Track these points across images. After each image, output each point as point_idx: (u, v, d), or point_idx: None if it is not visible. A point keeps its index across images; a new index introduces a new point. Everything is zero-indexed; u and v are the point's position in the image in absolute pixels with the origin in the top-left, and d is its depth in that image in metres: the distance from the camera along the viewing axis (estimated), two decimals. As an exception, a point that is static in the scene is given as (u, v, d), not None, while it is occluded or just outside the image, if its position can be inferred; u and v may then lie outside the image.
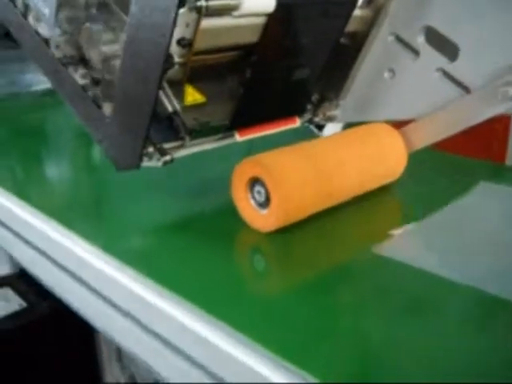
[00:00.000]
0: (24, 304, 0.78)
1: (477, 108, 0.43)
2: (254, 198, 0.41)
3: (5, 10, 0.50)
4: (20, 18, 0.49)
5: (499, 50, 0.42)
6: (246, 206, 0.41)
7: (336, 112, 0.53)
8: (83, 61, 0.45)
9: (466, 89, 0.44)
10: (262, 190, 0.40)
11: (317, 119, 0.54)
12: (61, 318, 0.75)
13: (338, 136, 0.49)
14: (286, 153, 0.42)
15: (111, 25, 0.43)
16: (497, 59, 0.42)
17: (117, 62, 0.43)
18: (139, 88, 0.39)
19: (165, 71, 0.39)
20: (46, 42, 0.47)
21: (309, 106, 0.53)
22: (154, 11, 0.36)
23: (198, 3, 0.37)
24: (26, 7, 0.49)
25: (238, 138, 0.48)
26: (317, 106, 0.53)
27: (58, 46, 0.46)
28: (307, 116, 0.53)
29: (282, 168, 0.40)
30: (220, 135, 0.47)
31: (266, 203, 0.40)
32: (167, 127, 0.45)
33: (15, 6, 0.50)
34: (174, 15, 0.35)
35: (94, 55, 0.44)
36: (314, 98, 0.53)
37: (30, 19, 0.49)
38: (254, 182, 0.40)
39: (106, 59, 0.44)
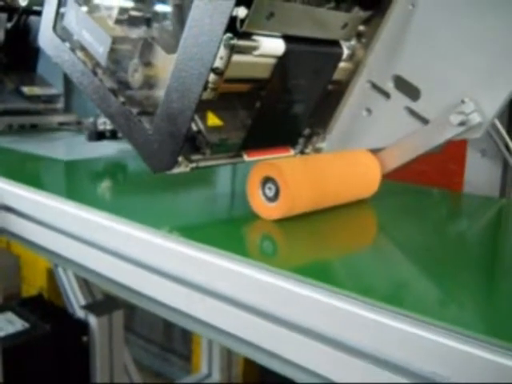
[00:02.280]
0: (27, 325, 0.84)
1: (434, 134, 0.56)
2: (264, 193, 0.51)
3: (58, 50, 0.62)
4: (71, 55, 0.61)
5: (453, 90, 0.55)
6: (258, 199, 0.51)
7: (323, 144, 0.65)
8: (126, 87, 0.57)
9: (426, 122, 0.58)
10: (273, 187, 0.51)
11: (307, 150, 0.66)
12: (61, 337, 0.81)
13: (332, 155, 0.61)
14: (294, 161, 0.53)
15: (152, 60, 0.56)
16: (451, 97, 0.55)
17: (155, 91, 0.55)
18: (180, 105, 0.50)
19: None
20: (94, 72, 0.59)
21: (300, 140, 0.65)
22: (200, 47, 0.48)
23: (231, 42, 0.49)
24: (76, 44, 0.61)
25: (246, 158, 0.59)
26: (307, 139, 0.65)
27: (107, 77, 0.58)
28: (299, 147, 0.65)
29: (291, 171, 0.51)
30: (232, 154, 0.59)
31: (274, 198, 0.51)
32: (191, 144, 0.56)
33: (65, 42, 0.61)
34: (216, 51, 0.47)
35: (135, 83, 0.56)
36: (306, 132, 0.65)
37: (78, 54, 0.61)
38: (266, 180, 0.51)
39: (146, 86, 0.56)
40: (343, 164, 0.57)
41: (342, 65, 0.61)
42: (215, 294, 0.44)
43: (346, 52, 0.60)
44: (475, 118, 0.54)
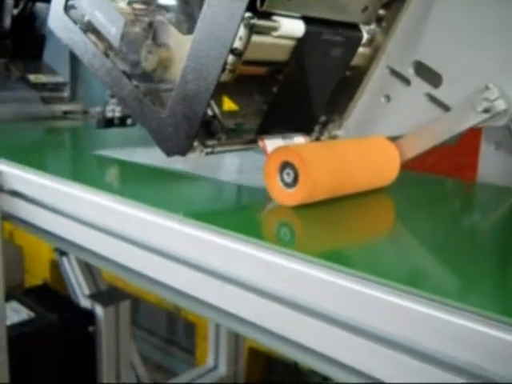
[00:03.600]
0: (32, 314, 0.82)
1: (457, 121, 0.54)
2: (282, 179, 0.50)
3: (69, 32, 0.60)
4: (83, 37, 0.59)
5: (476, 76, 0.54)
6: (275, 185, 0.50)
7: (339, 132, 0.64)
8: (140, 69, 0.55)
9: (448, 108, 0.56)
10: (291, 172, 0.49)
11: (323, 138, 0.64)
12: (67, 327, 0.80)
13: (352, 141, 0.59)
14: (313, 146, 0.51)
15: (166, 41, 0.54)
16: (474, 83, 0.54)
17: (169, 73, 0.53)
18: (196, 87, 0.49)
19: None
20: (106, 54, 0.57)
21: (317, 127, 0.64)
22: (219, 26, 0.46)
23: (251, 21, 0.47)
24: (87, 26, 0.59)
25: (260, 144, 0.58)
26: (323, 126, 0.64)
27: (120, 59, 0.56)
28: (315, 134, 0.64)
29: (310, 156, 0.49)
30: (247, 140, 0.57)
31: (293, 183, 0.49)
32: (206, 129, 0.54)
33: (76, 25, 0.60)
34: (236, 30, 0.46)
35: (149, 65, 0.54)
36: (322, 119, 0.64)
37: (90, 36, 0.59)
38: (284, 165, 0.50)
39: (160, 69, 0.54)
40: (363, 151, 0.55)
41: (361, 50, 0.59)
42: (233, 280, 0.42)
43: (365, 36, 0.58)
44: (500, 105, 0.52)
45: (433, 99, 0.57)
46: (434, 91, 0.57)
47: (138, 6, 0.58)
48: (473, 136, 0.90)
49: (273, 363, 1.31)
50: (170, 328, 1.62)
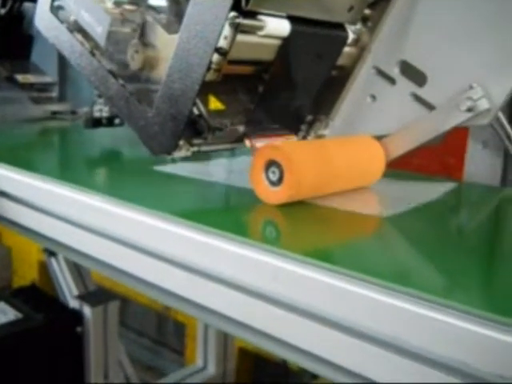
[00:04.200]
0: (20, 315, 0.82)
1: (441, 120, 0.55)
2: (268, 177, 0.50)
3: (56, 31, 0.60)
4: (69, 36, 0.59)
5: (460, 75, 0.54)
6: (261, 183, 0.50)
7: (326, 131, 0.64)
8: (126, 69, 0.55)
9: (433, 108, 0.56)
10: (277, 171, 0.49)
11: (309, 137, 0.64)
12: (55, 327, 0.80)
13: (338, 140, 0.59)
14: (299, 144, 0.52)
15: (152, 41, 0.54)
16: (458, 82, 0.54)
17: (155, 72, 0.53)
18: (182, 86, 0.49)
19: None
20: (92, 53, 0.57)
21: (303, 126, 0.64)
22: (204, 25, 0.46)
23: (236, 20, 0.48)
24: (74, 25, 0.59)
25: (247, 144, 0.58)
26: (310, 125, 0.64)
27: (106, 58, 0.56)
28: (302, 134, 0.64)
29: (295, 154, 0.50)
30: (233, 139, 0.57)
31: (278, 182, 0.49)
32: (193, 128, 0.54)
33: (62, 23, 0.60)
34: (220, 29, 0.46)
35: (135, 65, 0.54)
36: (308, 118, 0.64)
37: (76, 35, 0.59)
38: (270, 164, 0.50)
39: (146, 68, 0.54)
40: (349, 149, 0.55)
41: (346, 49, 0.60)
42: (219, 279, 0.42)
43: (351, 36, 0.59)
44: (483, 104, 0.53)
45: (418, 99, 0.57)
46: (419, 91, 0.57)
47: (125, 6, 0.58)
48: (460, 136, 0.91)
49: (263, 363, 1.31)
50: (160, 328, 1.62)
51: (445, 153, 0.95)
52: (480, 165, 0.88)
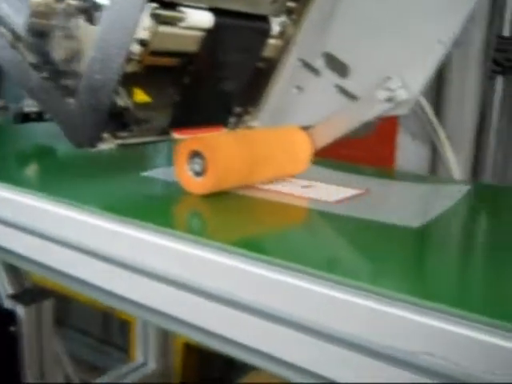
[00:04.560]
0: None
1: (363, 110, 0.56)
2: (192, 168, 0.50)
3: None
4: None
5: (380, 67, 0.56)
6: (185, 174, 0.50)
7: (255, 123, 0.65)
8: (46, 60, 0.54)
9: (356, 98, 0.58)
10: (200, 161, 0.50)
11: (239, 129, 0.65)
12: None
13: (263, 130, 0.60)
14: (222, 136, 0.52)
15: (75, 32, 0.53)
16: (378, 74, 0.56)
17: (78, 64, 0.53)
18: (103, 77, 0.49)
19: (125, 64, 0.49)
20: (14, 46, 0.56)
21: (232, 118, 0.65)
22: (123, 16, 0.46)
23: (156, 11, 0.48)
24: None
25: (175, 136, 0.58)
26: (239, 117, 0.65)
27: (27, 51, 0.55)
28: (231, 126, 0.64)
29: (218, 145, 0.50)
30: (160, 131, 0.57)
31: (202, 172, 0.50)
32: (118, 120, 0.54)
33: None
34: (138, 19, 0.46)
35: (58, 56, 0.54)
36: (237, 111, 0.64)
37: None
38: (194, 154, 0.50)
39: (69, 60, 0.53)
40: (274, 139, 0.56)
41: (272, 41, 0.60)
42: (143, 271, 0.42)
43: (276, 29, 0.60)
44: (402, 94, 0.55)
45: (342, 90, 0.59)
46: (343, 82, 0.59)
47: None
48: (391, 128, 0.94)
49: (209, 358, 1.31)
50: (105, 327, 1.60)
51: (377, 144, 0.98)
52: (410, 155, 0.91)
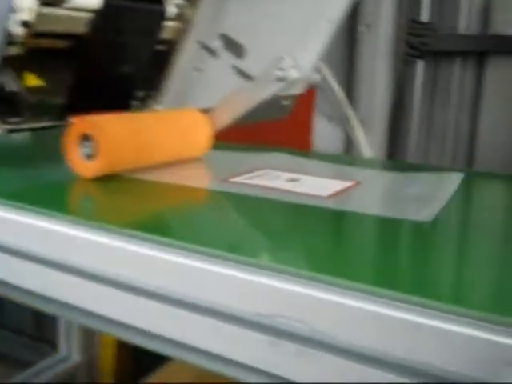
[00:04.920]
0: None
1: (258, 90, 0.57)
2: (82, 151, 0.50)
3: None
4: None
5: (273, 47, 0.57)
6: (76, 157, 0.50)
7: (160, 106, 0.65)
8: None
9: (252, 79, 0.59)
10: (91, 144, 0.49)
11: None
12: None
13: (160, 113, 0.60)
14: (115, 118, 0.52)
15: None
16: (272, 54, 0.57)
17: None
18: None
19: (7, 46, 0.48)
20: None
21: (136, 102, 0.64)
22: None
23: (36, -8, 0.47)
24: None
25: (71, 120, 0.57)
26: (142, 101, 0.64)
27: None
28: (134, 110, 0.64)
29: (109, 128, 0.50)
30: (55, 116, 0.56)
31: (93, 155, 0.49)
32: (8, 106, 0.53)
33: None
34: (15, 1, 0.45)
35: None
36: (140, 94, 0.64)
37: None
38: (84, 137, 0.50)
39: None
40: (170, 122, 0.56)
41: (169, 24, 0.60)
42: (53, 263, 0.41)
43: (172, 10, 0.60)
44: (294, 74, 0.56)
45: (239, 71, 0.59)
46: (240, 63, 0.59)
47: None
48: (307, 111, 0.96)
49: (141, 354, 1.29)
50: (37, 324, 1.56)
51: (294, 127, 1.00)
52: (326, 137, 0.93)
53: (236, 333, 0.32)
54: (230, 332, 0.32)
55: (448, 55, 1.32)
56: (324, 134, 0.92)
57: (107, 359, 1.08)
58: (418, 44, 1.25)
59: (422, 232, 0.40)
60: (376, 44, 0.85)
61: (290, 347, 0.30)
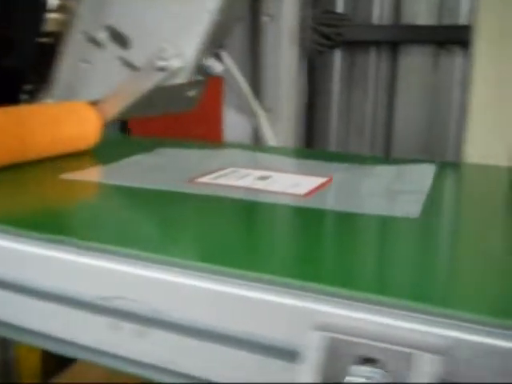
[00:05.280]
0: None
1: (143, 80, 0.57)
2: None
3: None
4: None
5: (156, 38, 0.57)
6: None
7: (49, 100, 0.64)
8: None
9: (138, 69, 0.59)
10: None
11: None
12: None
13: (41, 106, 0.59)
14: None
15: None
16: (155, 44, 0.57)
17: None
18: None
19: None
20: None
21: (24, 96, 0.63)
22: None
23: None
24: None
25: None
26: (31, 94, 0.64)
27: None
28: (24, 104, 0.63)
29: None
30: None
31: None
32: None
33: None
34: None
35: None
36: (28, 88, 0.63)
37: None
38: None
39: None
40: (52, 115, 0.56)
41: (54, 15, 0.60)
42: None
43: (54, 2, 0.59)
44: (175, 63, 0.56)
45: (125, 62, 0.60)
46: (125, 54, 0.59)
47: None
48: (215, 102, 0.96)
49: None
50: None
51: (203, 119, 1.00)
52: (236, 127, 0.94)
53: (78, 316, 0.32)
54: (71, 316, 0.33)
55: (363, 45, 1.36)
56: (234, 124, 0.93)
57: (32, 359, 1.06)
58: (332, 34, 1.28)
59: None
60: (279, 34, 0.87)
61: (131, 328, 0.31)
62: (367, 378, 0.23)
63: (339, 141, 1.43)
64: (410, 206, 0.41)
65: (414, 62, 1.33)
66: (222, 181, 0.48)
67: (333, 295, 0.25)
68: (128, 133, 1.13)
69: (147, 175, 0.51)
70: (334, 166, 0.56)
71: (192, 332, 0.30)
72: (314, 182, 0.48)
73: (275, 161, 0.60)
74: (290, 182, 0.48)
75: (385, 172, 0.54)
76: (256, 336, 0.27)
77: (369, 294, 0.25)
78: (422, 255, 0.33)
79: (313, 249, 0.34)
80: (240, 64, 0.89)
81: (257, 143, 0.92)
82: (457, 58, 1.26)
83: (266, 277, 0.27)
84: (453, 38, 1.25)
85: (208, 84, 0.75)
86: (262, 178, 0.49)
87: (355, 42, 1.35)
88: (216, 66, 0.70)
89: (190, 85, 0.69)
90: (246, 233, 0.40)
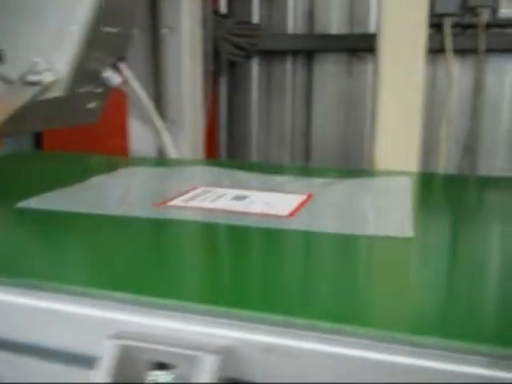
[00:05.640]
0: None
1: (17, 94, 0.57)
2: None
3: None
4: None
5: (30, 51, 0.56)
6: None
7: None
8: None
9: (13, 83, 0.58)
10: None
11: None
12: None
13: None
14: None
15: None
16: (29, 58, 0.56)
17: None
18: None
19: None
20: None
21: None
22: None
23: None
24: None
25: None
26: None
27: None
28: None
29: None
30: None
31: None
32: None
33: None
34: None
35: None
36: None
37: None
38: None
39: None
40: None
41: None
42: None
43: None
44: (48, 77, 0.56)
45: (1, 76, 0.58)
46: (1, 69, 0.58)
47: None
48: (119, 114, 0.96)
49: None
50: None
51: (108, 134, 1.00)
52: (141, 140, 0.94)
53: None
54: None
55: (280, 54, 1.38)
56: (139, 136, 0.93)
57: None
58: (245, 44, 1.30)
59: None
60: (180, 46, 0.87)
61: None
62: (159, 382, 0.24)
63: (260, 150, 1.44)
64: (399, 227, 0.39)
65: (329, 69, 1.36)
66: (194, 203, 0.45)
67: (132, 303, 0.26)
68: (40, 147, 1.11)
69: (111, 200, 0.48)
70: (306, 181, 0.55)
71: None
72: (293, 200, 0.46)
73: (247, 178, 0.58)
74: (269, 201, 0.46)
75: (362, 188, 0.52)
76: (57, 345, 0.27)
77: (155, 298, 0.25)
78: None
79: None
80: (142, 76, 0.89)
81: (162, 156, 0.92)
82: (369, 65, 1.30)
83: (66, 287, 0.27)
84: (364, 45, 1.29)
85: (112, 96, 0.75)
86: (239, 198, 0.47)
87: (271, 51, 1.37)
88: (114, 78, 0.70)
89: (89, 97, 0.68)
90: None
